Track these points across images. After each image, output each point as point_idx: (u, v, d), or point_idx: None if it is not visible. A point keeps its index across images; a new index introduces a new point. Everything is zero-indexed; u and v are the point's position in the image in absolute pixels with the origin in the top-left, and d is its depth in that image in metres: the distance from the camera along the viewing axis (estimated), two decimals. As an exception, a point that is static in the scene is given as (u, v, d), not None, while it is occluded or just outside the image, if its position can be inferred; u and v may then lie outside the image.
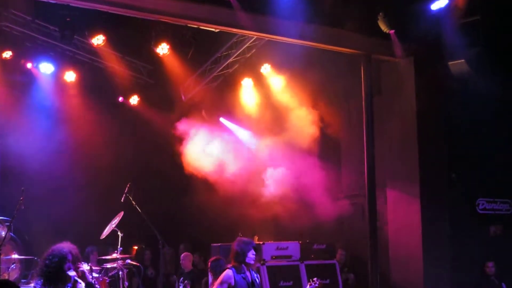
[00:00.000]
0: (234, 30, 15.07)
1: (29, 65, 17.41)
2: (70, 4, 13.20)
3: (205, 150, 17.91)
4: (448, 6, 14.27)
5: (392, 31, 14.91)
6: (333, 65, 16.33)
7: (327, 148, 17.61)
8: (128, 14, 13.69)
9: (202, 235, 18.36)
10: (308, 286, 12.10)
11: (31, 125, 17.45)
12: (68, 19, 14.77)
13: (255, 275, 11.38)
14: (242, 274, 11.17)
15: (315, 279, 12.02)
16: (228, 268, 11.29)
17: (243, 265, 11.20)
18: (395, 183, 16.24)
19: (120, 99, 19.68)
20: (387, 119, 16.34)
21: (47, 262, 9.85)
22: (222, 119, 19.11)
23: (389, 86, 16.56)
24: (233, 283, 11.05)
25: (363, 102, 15.60)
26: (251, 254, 11.34)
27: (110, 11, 13.48)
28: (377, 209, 15.43)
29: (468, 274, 15.49)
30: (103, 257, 14.74)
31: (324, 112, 17.00)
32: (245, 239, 11.69)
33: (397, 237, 16.03)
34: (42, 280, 9.72)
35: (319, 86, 16.80)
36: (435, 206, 15.64)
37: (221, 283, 11.10)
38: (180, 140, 18.13)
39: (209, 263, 13.20)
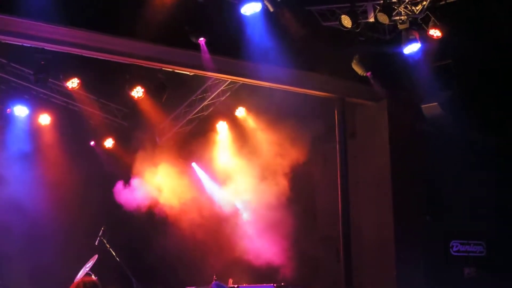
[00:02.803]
0: (208, 73, 15.13)
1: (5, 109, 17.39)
2: (45, 48, 13.25)
3: (177, 194, 17.92)
4: (420, 50, 14.43)
5: (368, 74, 15.03)
6: (307, 107, 16.40)
7: (301, 190, 17.60)
8: (102, 58, 13.74)
9: (176, 277, 18.28)
10: None
11: (5, 167, 17.34)
12: (42, 62, 14.77)
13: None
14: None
15: None
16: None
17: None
18: (369, 225, 16.25)
19: (92, 143, 19.62)
20: (361, 161, 16.39)
21: None
22: (194, 165, 19.12)
23: (363, 129, 16.66)
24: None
25: (337, 145, 15.69)
26: None
27: (84, 55, 13.53)
28: (352, 252, 15.42)
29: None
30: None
31: (299, 155, 17.03)
32: (223, 286, 11.68)
33: (372, 280, 16.01)
34: None
35: (294, 129, 16.86)
36: (409, 248, 15.66)
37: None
38: (154, 183, 18.14)
39: None
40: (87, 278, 11.46)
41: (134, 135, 19.32)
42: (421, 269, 15.76)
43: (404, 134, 15.99)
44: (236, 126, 18.37)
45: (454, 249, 16.44)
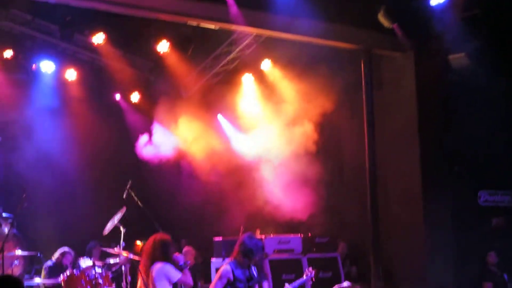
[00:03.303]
0: (233, 27, 15.10)
1: (31, 65, 17.51)
2: (70, 4, 13.27)
3: (202, 146, 17.99)
4: (447, 0, 14.28)
5: (395, 25, 14.93)
6: (333, 59, 16.34)
7: (328, 143, 17.61)
8: (127, 13, 13.76)
9: (203, 230, 18.43)
10: (305, 276, 12.16)
11: (33, 123, 17.49)
12: (68, 18, 14.81)
13: (253, 268, 11.43)
14: (241, 269, 11.20)
15: (309, 268, 12.09)
16: (227, 263, 11.31)
17: (246, 260, 11.22)
18: (397, 176, 16.26)
19: (118, 97, 19.69)
20: (388, 113, 16.35)
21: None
22: (219, 117, 19.16)
23: (390, 80, 16.58)
24: (232, 278, 11.07)
25: (364, 97, 15.63)
26: (260, 252, 11.44)
27: (109, 10, 13.54)
28: (379, 202, 15.45)
29: (471, 265, 15.53)
30: (106, 252, 14.79)
31: (325, 107, 16.98)
32: (256, 236, 11.77)
33: (399, 230, 16.06)
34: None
35: (320, 81, 16.80)
36: (437, 199, 15.66)
37: (220, 278, 11.13)
38: (179, 136, 18.23)
39: None
40: (160, 235, 11.71)
41: (160, 89, 19.37)
42: (449, 220, 15.77)
43: (431, 85, 15.89)
44: (262, 78, 18.33)
45: (482, 199, 16.42)
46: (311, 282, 12.43)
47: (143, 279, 11.37)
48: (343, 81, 16.71)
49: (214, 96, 19.03)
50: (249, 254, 11.17)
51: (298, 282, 12.14)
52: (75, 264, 14.08)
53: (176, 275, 11.17)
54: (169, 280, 11.12)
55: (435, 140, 15.96)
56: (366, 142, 15.41)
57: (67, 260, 14.59)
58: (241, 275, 11.14)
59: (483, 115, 16.02)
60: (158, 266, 11.19)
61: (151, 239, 11.53)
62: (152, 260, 11.34)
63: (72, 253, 14.82)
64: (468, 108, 15.95)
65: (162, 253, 11.33)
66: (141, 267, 11.44)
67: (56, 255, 14.83)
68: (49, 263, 14.74)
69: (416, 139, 15.83)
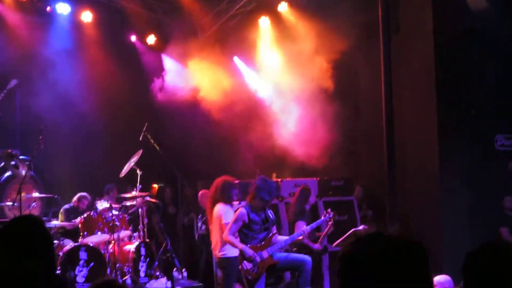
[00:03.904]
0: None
1: (46, 7, 17.45)
2: None
3: (218, 89, 17.96)
4: None
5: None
6: (350, 1, 16.20)
7: (344, 84, 17.53)
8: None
9: (219, 171, 18.52)
10: (322, 217, 12.21)
11: (49, 65, 17.47)
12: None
13: (269, 211, 11.50)
14: (257, 212, 11.26)
15: (328, 210, 12.13)
16: (242, 206, 11.37)
17: (261, 203, 11.28)
18: (413, 120, 16.21)
19: (133, 38, 19.61)
20: (405, 56, 16.24)
21: None
22: (235, 59, 19.08)
23: (407, 24, 16.41)
24: (247, 220, 11.15)
25: (381, 40, 15.52)
26: (274, 195, 11.54)
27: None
28: (395, 145, 15.43)
29: (486, 209, 15.54)
30: (123, 195, 14.91)
31: (342, 49, 16.87)
32: (270, 180, 11.83)
33: (415, 174, 16.07)
34: None
35: (337, 23, 16.67)
36: (453, 142, 15.63)
37: (236, 220, 11.21)
38: (195, 78, 18.20)
39: None
40: (223, 177, 12.06)
41: (176, 31, 19.28)
42: (465, 163, 15.75)
43: (448, 29, 15.72)
44: (279, 20, 18.21)
45: (499, 143, 16.34)
46: (330, 224, 12.46)
47: (208, 220, 11.83)
48: (360, 23, 16.57)
49: (230, 39, 18.94)
50: (264, 197, 11.23)
51: (315, 223, 12.18)
52: (92, 207, 14.19)
53: (230, 217, 11.51)
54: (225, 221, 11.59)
55: (452, 83, 15.86)
56: (383, 85, 15.34)
57: (84, 204, 14.72)
58: (256, 218, 11.22)
59: (501, 59, 15.88)
60: (217, 208, 11.56)
61: (215, 182, 11.94)
62: (214, 201, 11.74)
63: (89, 197, 14.92)
64: (487, 52, 15.79)
65: (222, 195, 11.63)
66: (206, 209, 11.95)
67: (74, 199, 14.96)
68: (66, 206, 14.88)
69: (433, 83, 15.71)
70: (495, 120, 16.08)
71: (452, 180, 15.20)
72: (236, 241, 11.22)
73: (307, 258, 11.53)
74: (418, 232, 14.38)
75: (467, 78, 15.85)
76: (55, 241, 13.08)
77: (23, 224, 5.24)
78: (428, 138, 15.66)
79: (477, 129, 15.86)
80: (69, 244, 13.27)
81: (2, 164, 15.39)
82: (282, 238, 11.67)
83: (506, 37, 15.54)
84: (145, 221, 14.44)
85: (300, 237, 11.92)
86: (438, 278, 9.29)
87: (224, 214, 11.85)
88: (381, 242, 3.05)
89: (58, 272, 12.27)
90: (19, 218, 5.59)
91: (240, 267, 11.34)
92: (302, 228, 12.21)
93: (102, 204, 13.98)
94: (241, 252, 11.16)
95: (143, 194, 14.56)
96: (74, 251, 12.91)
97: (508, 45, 15.74)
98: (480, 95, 15.93)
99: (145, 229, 14.37)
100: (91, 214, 13.68)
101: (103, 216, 13.65)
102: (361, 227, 13.27)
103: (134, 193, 14.42)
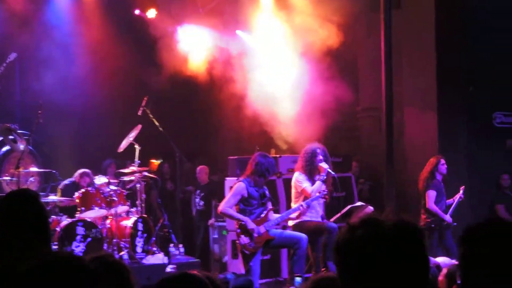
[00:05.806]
0: None
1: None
2: None
3: (220, 62, 17.89)
4: None
5: None
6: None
7: (344, 61, 17.47)
8: None
9: (218, 147, 18.52)
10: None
11: (48, 40, 17.39)
12: None
13: (264, 187, 11.55)
14: (255, 187, 11.30)
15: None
16: (240, 180, 11.41)
17: (260, 178, 11.32)
18: (412, 96, 16.21)
19: (137, 11, 19.52)
20: (406, 33, 16.20)
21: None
22: (238, 32, 18.98)
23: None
24: (246, 195, 11.20)
25: (382, 15, 15.43)
26: (273, 172, 11.59)
27: None
28: (394, 121, 15.40)
29: (484, 187, 15.58)
30: (121, 170, 14.88)
31: (342, 25, 16.79)
32: (269, 155, 11.87)
33: (413, 149, 16.09)
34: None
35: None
36: (452, 119, 15.66)
37: (234, 194, 11.26)
38: (196, 53, 18.16)
39: None
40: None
41: (177, 5, 19.18)
42: (463, 140, 15.77)
43: (449, 5, 15.71)
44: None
45: (498, 120, 16.34)
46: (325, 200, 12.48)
47: None
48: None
49: (231, 13, 18.82)
50: (263, 172, 11.27)
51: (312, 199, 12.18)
52: (91, 185, 14.10)
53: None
54: None
55: (452, 60, 15.84)
56: (383, 61, 15.26)
57: (85, 182, 14.50)
58: (254, 193, 11.30)
59: (501, 36, 15.85)
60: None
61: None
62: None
63: (91, 175, 14.69)
64: (487, 29, 15.77)
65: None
66: None
67: (76, 174, 14.81)
68: (66, 181, 14.77)
69: (433, 60, 15.74)
70: (494, 97, 16.09)
71: (450, 158, 15.16)
72: (237, 214, 11.28)
73: (303, 236, 11.56)
74: (415, 209, 14.37)
75: (466, 54, 15.85)
76: (53, 216, 13.08)
77: (18, 199, 5.24)
78: (427, 114, 15.69)
79: (476, 106, 15.90)
80: (66, 219, 13.26)
81: (1, 138, 15.33)
82: (277, 215, 11.76)
83: (507, 13, 15.49)
84: (143, 196, 14.43)
85: (297, 212, 11.97)
86: (442, 260, 9.32)
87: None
88: (375, 228, 3.05)
89: (55, 247, 12.28)
90: (13, 193, 5.60)
91: (237, 241, 11.39)
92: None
93: (100, 179, 13.95)
94: (242, 225, 11.22)
95: (142, 169, 14.53)
96: (71, 226, 12.92)
97: (509, 22, 15.71)
98: (479, 72, 15.92)
99: (143, 205, 14.36)
100: (89, 189, 13.64)
101: (101, 191, 13.61)
102: (358, 204, 13.31)
103: (132, 168, 14.39)
